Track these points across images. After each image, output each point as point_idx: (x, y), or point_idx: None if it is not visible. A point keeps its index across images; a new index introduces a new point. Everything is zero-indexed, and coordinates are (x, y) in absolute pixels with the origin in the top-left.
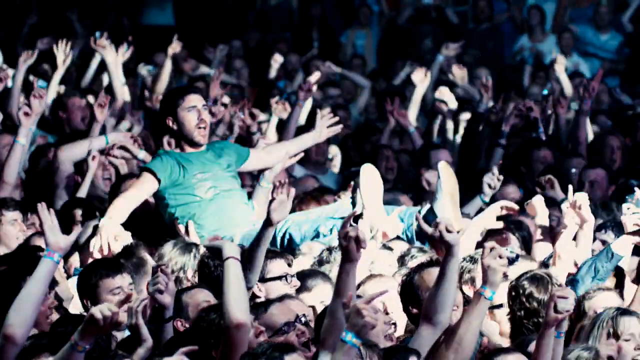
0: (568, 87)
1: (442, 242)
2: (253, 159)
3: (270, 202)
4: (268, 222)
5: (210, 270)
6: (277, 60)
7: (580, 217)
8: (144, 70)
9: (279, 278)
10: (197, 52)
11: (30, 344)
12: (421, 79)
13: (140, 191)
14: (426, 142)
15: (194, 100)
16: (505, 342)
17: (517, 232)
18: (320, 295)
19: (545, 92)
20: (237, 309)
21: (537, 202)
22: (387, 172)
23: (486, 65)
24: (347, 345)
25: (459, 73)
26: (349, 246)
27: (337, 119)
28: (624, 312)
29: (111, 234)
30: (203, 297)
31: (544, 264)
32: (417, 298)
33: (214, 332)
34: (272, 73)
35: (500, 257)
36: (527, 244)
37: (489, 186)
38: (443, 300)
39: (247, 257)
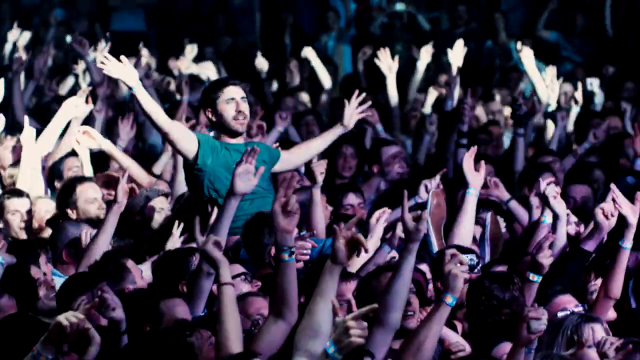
0: (542, 87)
1: (407, 233)
2: (282, 160)
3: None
4: (231, 192)
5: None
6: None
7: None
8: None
9: (237, 276)
10: (167, 59)
11: None
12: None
13: (182, 129)
14: (377, 138)
15: (233, 92)
16: (462, 341)
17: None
18: None
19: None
20: (235, 340)
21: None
22: (344, 170)
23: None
24: (329, 357)
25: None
26: (338, 246)
27: (367, 103)
28: (587, 319)
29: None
30: (181, 312)
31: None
32: (373, 302)
33: (183, 352)
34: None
35: (461, 263)
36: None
37: (426, 188)
38: (394, 300)
39: (210, 230)
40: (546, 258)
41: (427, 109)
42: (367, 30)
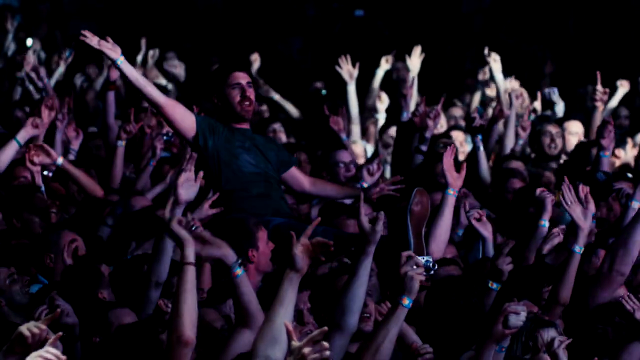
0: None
1: (363, 235)
2: (292, 175)
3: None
4: (175, 202)
5: None
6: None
7: None
8: (79, 80)
9: None
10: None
11: None
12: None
13: (178, 106)
14: (330, 143)
15: (238, 77)
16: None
17: None
18: None
19: (480, 109)
20: (189, 323)
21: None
22: None
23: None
24: None
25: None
26: (295, 253)
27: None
28: (540, 323)
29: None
30: (130, 321)
31: None
32: (330, 304)
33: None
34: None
35: (417, 265)
36: None
37: (368, 171)
38: (351, 303)
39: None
40: (505, 264)
41: (381, 116)
42: (327, 36)
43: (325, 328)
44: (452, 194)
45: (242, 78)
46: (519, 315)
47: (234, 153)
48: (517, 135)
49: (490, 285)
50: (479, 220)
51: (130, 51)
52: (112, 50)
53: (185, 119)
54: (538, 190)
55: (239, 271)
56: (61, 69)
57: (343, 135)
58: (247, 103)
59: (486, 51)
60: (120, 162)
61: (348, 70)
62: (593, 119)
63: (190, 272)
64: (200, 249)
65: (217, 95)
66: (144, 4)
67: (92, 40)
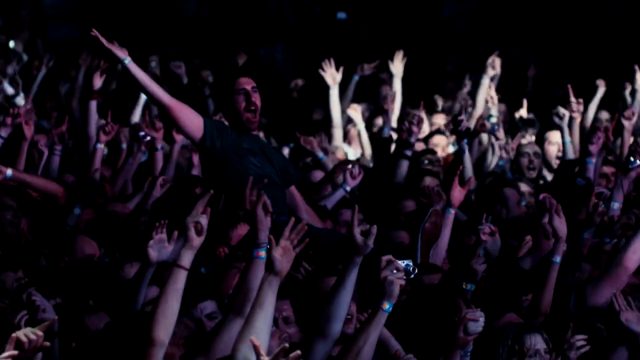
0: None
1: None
2: (292, 193)
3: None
4: (146, 262)
5: None
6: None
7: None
8: (64, 88)
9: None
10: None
11: None
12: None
13: (185, 106)
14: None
15: (244, 83)
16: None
17: None
18: None
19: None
20: (165, 324)
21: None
22: None
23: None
24: None
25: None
26: (275, 256)
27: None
28: (526, 328)
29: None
30: None
31: None
32: (313, 307)
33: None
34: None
35: (397, 269)
36: None
37: (351, 174)
38: (336, 310)
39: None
40: (479, 264)
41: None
42: (308, 40)
43: (299, 352)
44: (452, 213)
45: (247, 83)
46: (477, 322)
47: (241, 154)
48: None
49: (464, 286)
50: (491, 235)
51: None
52: (120, 50)
53: (192, 120)
54: (541, 195)
55: (263, 253)
56: (42, 73)
57: (319, 154)
58: (252, 109)
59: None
60: (98, 165)
61: (331, 74)
62: (572, 131)
63: (182, 276)
64: (259, 209)
65: (224, 102)
66: (125, 11)
67: (102, 38)
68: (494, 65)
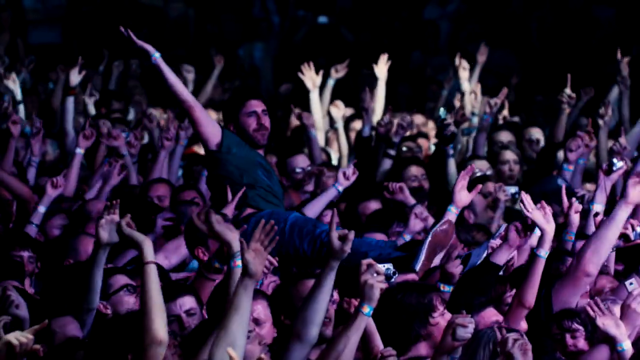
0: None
1: (331, 250)
2: None
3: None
4: (97, 244)
5: None
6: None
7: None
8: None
9: (120, 289)
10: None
11: None
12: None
13: (206, 112)
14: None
15: (254, 105)
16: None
17: None
18: None
19: (443, 114)
20: (161, 321)
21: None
22: None
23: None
24: None
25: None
26: (248, 259)
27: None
28: (506, 330)
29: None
30: (72, 330)
31: None
32: (290, 309)
33: None
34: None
35: (378, 273)
36: None
37: (344, 175)
38: (313, 315)
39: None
40: (455, 267)
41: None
42: (290, 43)
43: (262, 357)
44: (453, 212)
45: (258, 106)
46: (466, 327)
47: (254, 165)
48: None
49: (442, 288)
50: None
51: (93, 60)
52: (150, 46)
53: (212, 124)
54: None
55: (239, 262)
56: (23, 75)
57: (312, 130)
58: (262, 132)
59: (457, 60)
60: (77, 170)
61: (311, 77)
62: (559, 120)
63: (153, 271)
64: (217, 225)
65: (234, 123)
66: (107, 12)
67: (132, 35)
68: (465, 66)
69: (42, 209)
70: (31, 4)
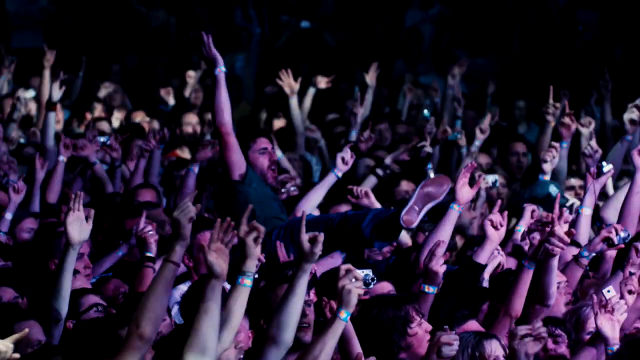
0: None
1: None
2: None
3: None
4: (68, 244)
5: None
6: (192, 76)
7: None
8: (26, 94)
9: (89, 309)
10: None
11: None
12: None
13: (235, 147)
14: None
15: (264, 142)
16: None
17: None
18: None
19: (427, 114)
20: (153, 318)
21: None
22: None
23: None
24: None
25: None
26: (211, 260)
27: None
28: (484, 335)
29: None
30: (36, 334)
31: None
32: (269, 313)
33: None
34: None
35: (356, 278)
36: None
37: (343, 160)
38: (288, 318)
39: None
40: (438, 266)
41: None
42: (272, 48)
43: None
44: (456, 210)
45: (267, 143)
46: (451, 345)
47: (268, 198)
48: None
49: (426, 290)
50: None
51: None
52: (221, 59)
53: (240, 154)
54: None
55: (248, 281)
56: (4, 77)
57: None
58: (273, 168)
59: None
60: (59, 178)
61: (289, 84)
62: (544, 132)
63: (172, 272)
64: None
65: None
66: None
67: (211, 42)
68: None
69: (8, 215)
70: (14, 9)
